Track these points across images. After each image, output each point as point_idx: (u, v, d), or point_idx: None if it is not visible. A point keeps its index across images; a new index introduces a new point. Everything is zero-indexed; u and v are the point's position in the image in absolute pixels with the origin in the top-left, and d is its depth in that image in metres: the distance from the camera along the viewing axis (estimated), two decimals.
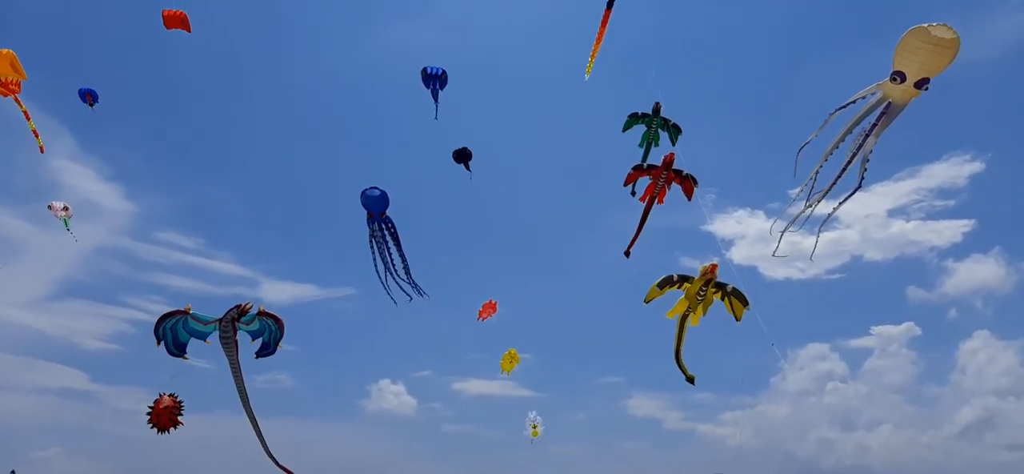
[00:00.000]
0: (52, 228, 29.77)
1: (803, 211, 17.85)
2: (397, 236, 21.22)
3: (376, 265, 21.71)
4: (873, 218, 72.60)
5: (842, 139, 15.75)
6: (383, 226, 21.02)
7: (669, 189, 22.49)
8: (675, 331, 21.25)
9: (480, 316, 29.05)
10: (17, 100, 21.98)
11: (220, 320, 19.38)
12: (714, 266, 20.55)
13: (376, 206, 20.68)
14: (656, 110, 23.74)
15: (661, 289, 20.49)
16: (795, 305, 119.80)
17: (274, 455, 20.89)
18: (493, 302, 29.45)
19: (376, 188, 20.61)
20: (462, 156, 24.85)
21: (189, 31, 22.65)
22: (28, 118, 22.81)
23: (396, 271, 21.84)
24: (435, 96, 24.38)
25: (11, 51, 20.88)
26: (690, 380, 22.09)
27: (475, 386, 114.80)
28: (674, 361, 21.78)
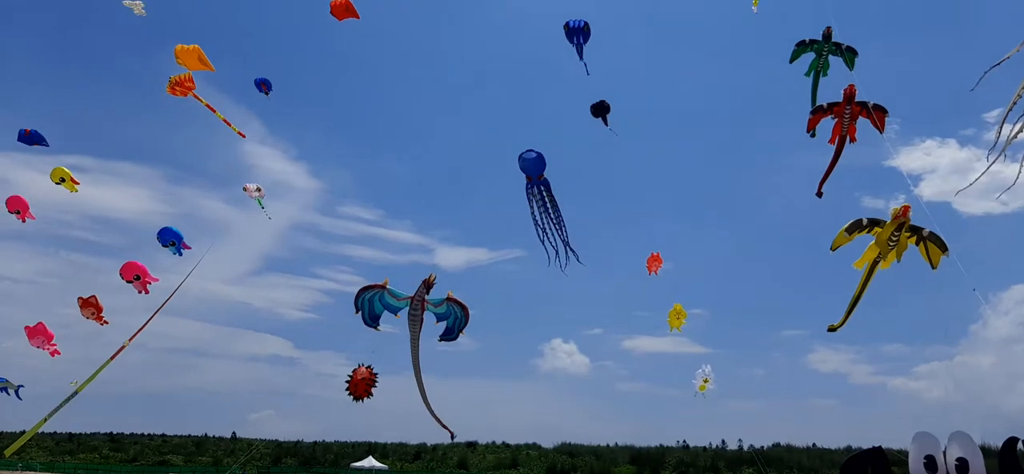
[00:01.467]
0: (249, 209, 32.17)
1: (1015, 134, 15.44)
2: (554, 198, 20.91)
3: (536, 228, 21.59)
4: None
5: None
6: (541, 188, 20.78)
7: (856, 124, 20.51)
8: (859, 280, 19.44)
9: (651, 270, 28.77)
10: (197, 96, 23.50)
11: (412, 297, 20.36)
12: (907, 208, 18.64)
13: (533, 168, 20.48)
14: (827, 35, 21.62)
15: (850, 235, 18.81)
16: (997, 243, 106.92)
17: (438, 416, 21.65)
18: (657, 255, 28.95)
19: (532, 151, 20.36)
20: (600, 110, 23.97)
21: (358, 17, 23.10)
22: (214, 111, 24.37)
23: (555, 233, 21.60)
24: (580, 51, 23.58)
25: (197, 46, 22.30)
26: (833, 328, 20.45)
27: (646, 343, 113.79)
28: (848, 307, 20.04)
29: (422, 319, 20.61)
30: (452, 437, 22.82)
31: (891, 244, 18.53)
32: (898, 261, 18.81)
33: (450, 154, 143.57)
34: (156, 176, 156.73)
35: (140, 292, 23.37)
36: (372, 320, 20.58)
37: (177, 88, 22.94)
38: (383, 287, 20.46)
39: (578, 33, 23.23)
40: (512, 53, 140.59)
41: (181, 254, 24.20)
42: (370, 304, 20.51)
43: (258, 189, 28.52)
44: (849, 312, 20.04)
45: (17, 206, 23.97)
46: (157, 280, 23.51)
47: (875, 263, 19.00)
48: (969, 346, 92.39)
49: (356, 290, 21.25)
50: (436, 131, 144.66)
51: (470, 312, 20.62)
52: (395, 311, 20.81)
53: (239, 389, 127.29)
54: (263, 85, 25.64)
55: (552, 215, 21.26)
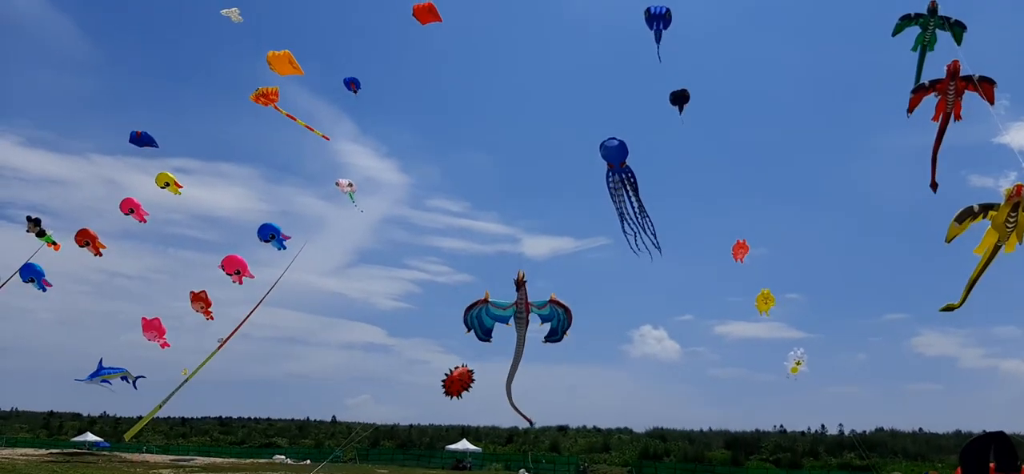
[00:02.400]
0: (343, 204, 33.40)
1: None
2: (636, 186, 20.65)
3: (619, 216, 21.40)
4: None
5: None
6: (623, 176, 20.54)
7: (961, 101, 19.23)
8: (980, 260, 18.28)
9: (735, 256, 28.26)
10: (277, 108, 24.38)
11: (516, 303, 20.71)
12: (1020, 187, 17.36)
13: (615, 156, 20.24)
14: (933, 9, 20.34)
15: (961, 224, 17.70)
16: None
17: (516, 405, 21.93)
18: (744, 242, 28.36)
19: (615, 138, 20.13)
20: (679, 98, 23.40)
21: (440, 21, 23.34)
22: (295, 119, 25.24)
23: (637, 221, 21.37)
24: (658, 37, 23.09)
25: (288, 51, 23.10)
26: (951, 308, 19.31)
27: (739, 328, 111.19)
28: (967, 286, 18.92)
29: (528, 320, 20.95)
30: (531, 424, 23.16)
31: (1009, 226, 17.32)
32: (1020, 243, 17.60)
33: (533, 145, 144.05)
34: (255, 175, 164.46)
35: (237, 283, 24.58)
36: (485, 334, 21.07)
37: (261, 99, 23.88)
38: (485, 301, 20.89)
39: (659, 19, 22.74)
40: (591, 45, 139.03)
41: (283, 246, 25.29)
42: (479, 320, 20.99)
43: (350, 184, 29.34)
44: (967, 292, 18.95)
45: (131, 206, 25.48)
46: (253, 277, 24.69)
47: (997, 247, 17.84)
48: None
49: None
50: (518, 124, 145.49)
51: (573, 314, 20.79)
52: (504, 321, 21.24)
53: (337, 375, 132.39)
54: (352, 84, 26.28)
55: (633, 203, 21.03)
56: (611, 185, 20.72)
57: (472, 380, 21.44)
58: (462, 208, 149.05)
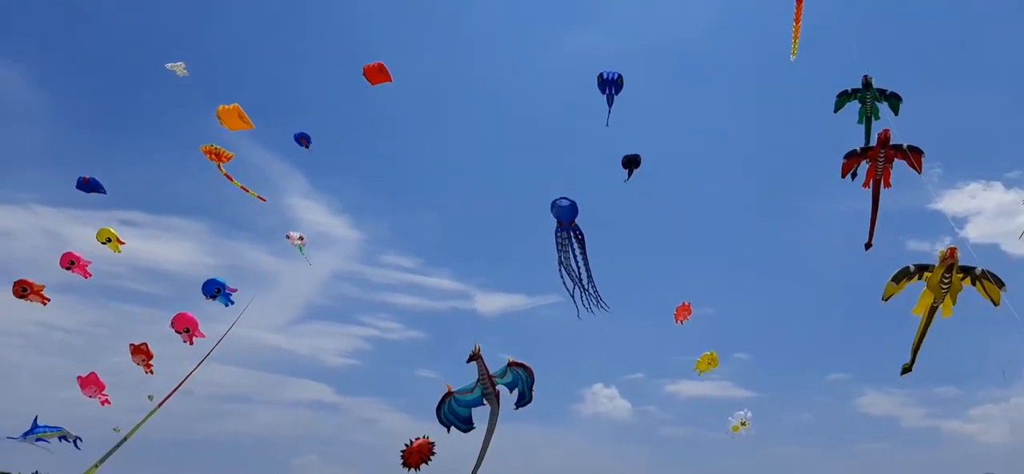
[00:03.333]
0: (293, 259, 32.69)
1: None
2: (584, 244, 20.98)
3: (562, 274, 21.62)
4: None
5: None
6: (571, 234, 20.85)
7: (891, 168, 20.15)
8: (920, 322, 18.94)
9: (677, 318, 28.43)
10: (221, 169, 24.21)
11: (479, 381, 20.46)
12: (953, 250, 18.12)
13: (566, 215, 20.60)
14: (867, 83, 21.45)
15: (898, 283, 18.34)
16: None
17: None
18: (687, 305, 28.52)
19: (566, 198, 20.50)
20: (631, 162, 23.84)
21: (391, 81, 23.31)
22: (231, 180, 24.93)
23: (582, 279, 21.64)
24: (610, 101, 23.66)
25: (237, 105, 22.82)
26: (907, 369, 19.98)
27: (690, 387, 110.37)
28: (913, 349, 19.55)
29: (498, 393, 20.76)
30: None
31: (943, 287, 18.01)
32: (952, 306, 18.31)
33: (485, 202, 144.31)
34: (203, 229, 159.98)
35: (187, 344, 23.91)
36: (466, 425, 20.77)
37: (212, 155, 23.62)
38: (449, 395, 20.69)
39: (611, 85, 23.34)
40: (543, 106, 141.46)
41: (230, 302, 24.65)
42: (452, 413, 20.74)
43: (300, 237, 29.08)
44: (914, 353, 19.56)
45: (71, 259, 24.63)
46: (204, 336, 24.02)
47: (933, 309, 18.52)
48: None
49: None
50: (470, 180, 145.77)
51: (533, 371, 20.70)
52: (478, 403, 21.01)
53: (283, 434, 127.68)
54: (302, 139, 26.06)
55: (579, 260, 21.32)
56: (559, 241, 20.99)
57: (432, 452, 21.06)
58: (414, 264, 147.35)
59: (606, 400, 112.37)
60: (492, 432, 20.75)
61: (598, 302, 21.82)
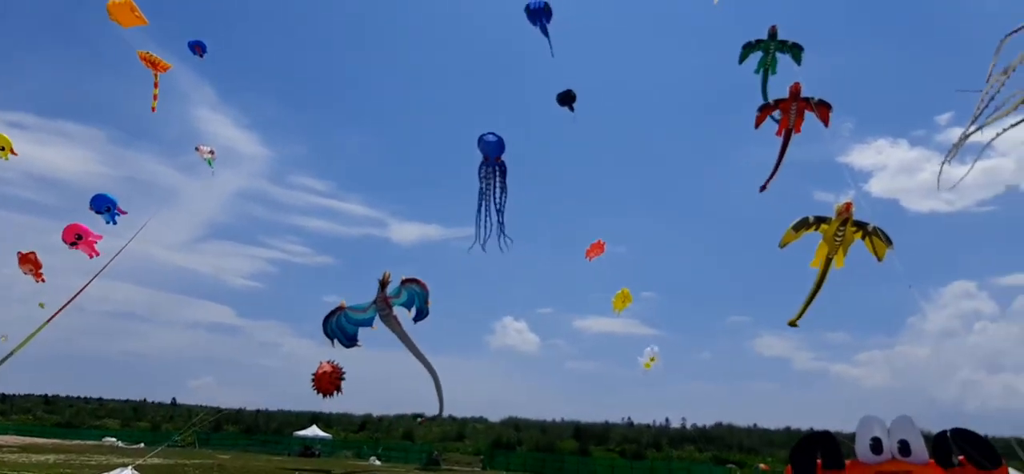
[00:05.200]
0: (198, 175, 31.26)
1: (963, 139, 15.86)
2: (505, 181, 21.01)
3: (480, 207, 21.62)
4: None
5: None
6: (495, 169, 20.82)
7: (803, 119, 20.94)
8: (817, 274, 20.03)
9: (588, 255, 29.18)
10: (156, 84, 22.85)
11: (375, 302, 20.29)
12: (849, 204, 19.28)
13: (493, 150, 20.55)
14: (772, 34, 22.08)
15: (797, 232, 19.35)
16: (940, 240, 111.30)
17: (442, 398, 21.45)
18: (601, 242, 29.31)
19: (494, 134, 20.43)
20: (566, 99, 23.97)
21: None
22: (156, 93, 23.55)
23: (495, 213, 21.75)
24: (544, 31, 23.48)
25: None
26: (793, 323, 21.29)
27: (597, 324, 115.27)
28: (806, 300, 20.72)
29: (395, 316, 20.68)
30: (429, 419, 23.03)
31: (838, 240, 19.07)
32: (846, 256, 19.38)
33: (407, 131, 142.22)
34: (100, 137, 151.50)
35: (89, 255, 22.75)
36: (349, 340, 20.60)
37: (147, 63, 22.25)
38: (341, 309, 20.46)
39: (540, 14, 23.12)
40: (478, 34, 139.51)
41: (115, 222, 23.51)
42: (339, 328, 20.58)
43: (211, 151, 28.05)
44: (805, 307, 20.68)
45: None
46: (101, 237, 22.90)
47: (829, 261, 19.59)
48: (908, 337, 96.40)
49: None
50: (394, 107, 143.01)
51: (426, 284, 20.67)
52: (368, 323, 20.81)
53: (180, 355, 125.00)
54: (197, 47, 24.80)
55: (499, 196, 21.38)
56: (483, 176, 20.95)
57: (342, 376, 21.00)
58: (327, 187, 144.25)
59: (515, 333, 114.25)
60: (416, 348, 20.80)
61: (503, 237, 21.90)
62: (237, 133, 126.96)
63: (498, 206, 20.95)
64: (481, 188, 20.86)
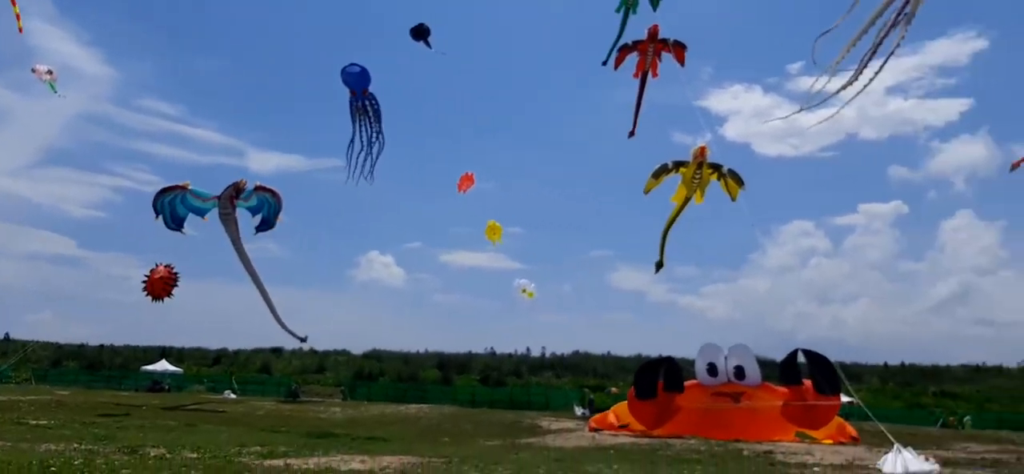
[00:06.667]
0: (33, 94, 27.94)
1: (817, 88, 17.05)
2: (379, 114, 20.39)
3: (352, 141, 20.92)
4: (871, 95, 71.13)
5: (873, 21, 14.50)
6: (367, 103, 20.16)
7: (660, 61, 21.66)
8: (671, 213, 21.21)
9: (459, 188, 29.26)
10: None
11: (219, 196, 19.18)
12: (703, 148, 20.57)
13: (356, 82, 19.80)
14: None
15: (658, 178, 20.42)
16: (786, 182, 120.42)
17: (284, 321, 20.79)
18: (470, 174, 29.45)
19: (356, 65, 19.62)
20: (420, 33, 23.32)
21: None
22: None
23: (367, 148, 21.19)
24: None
25: None
26: (659, 265, 22.68)
27: (463, 258, 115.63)
28: (662, 238, 21.96)
29: (236, 219, 19.80)
30: (303, 340, 22.46)
31: (695, 181, 20.27)
32: (700, 197, 20.64)
33: (268, 55, 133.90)
34: None
35: None
36: (176, 223, 19.60)
37: None
38: (184, 188, 19.35)
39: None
40: None
41: None
42: (171, 206, 19.48)
43: (49, 72, 25.35)
44: (663, 244, 21.90)
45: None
46: None
47: (687, 199, 20.78)
48: (749, 271, 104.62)
49: (154, 190, 19.83)
50: (254, 29, 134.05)
51: (281, 196, 19.95)
52: (202, 213, 19.84)
53: (14, 288, 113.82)
54: None
55: (372, 129, 20.78)
56: (354, 110, 20.25)
57: (176, 280, 19.95)
58: (178, 112, 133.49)
59: (382, 267, 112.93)
60: (254, 271, 20.08)
61: (369, 173, 21.20)
62: (78, 50, 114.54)
63: (368, 141, 20.38)
64: (352, 125, 20.18)
